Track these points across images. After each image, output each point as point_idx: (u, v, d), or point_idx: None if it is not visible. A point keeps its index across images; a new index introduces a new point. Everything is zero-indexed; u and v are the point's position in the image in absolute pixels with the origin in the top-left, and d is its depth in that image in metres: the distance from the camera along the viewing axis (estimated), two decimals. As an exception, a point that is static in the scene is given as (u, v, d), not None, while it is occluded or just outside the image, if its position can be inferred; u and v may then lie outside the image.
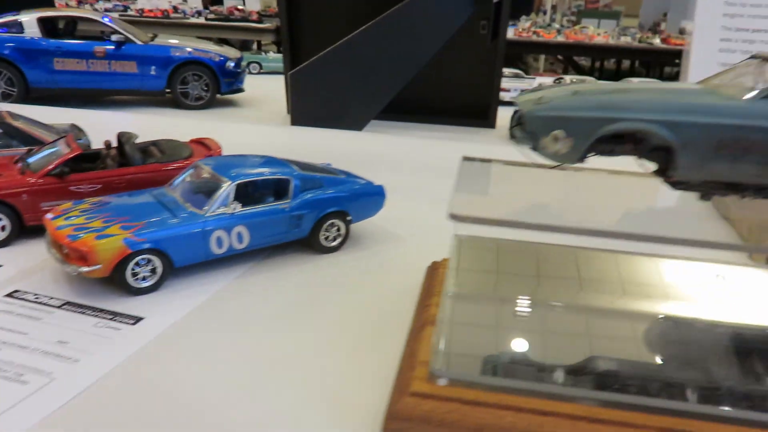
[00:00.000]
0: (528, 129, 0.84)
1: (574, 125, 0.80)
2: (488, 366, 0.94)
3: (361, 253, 1.39)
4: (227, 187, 1.22)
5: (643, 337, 1.13)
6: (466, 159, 1.14)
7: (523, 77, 3.78)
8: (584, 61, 9.47)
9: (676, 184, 0.86)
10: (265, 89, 2.97)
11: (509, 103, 3.46)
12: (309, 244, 1.35)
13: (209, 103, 3.05)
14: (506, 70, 3.98)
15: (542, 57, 9.67)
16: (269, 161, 1.36)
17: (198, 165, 1.32)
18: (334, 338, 1.06)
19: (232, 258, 1.28)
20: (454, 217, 0.81)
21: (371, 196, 1.42)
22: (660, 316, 1.17)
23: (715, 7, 2.28)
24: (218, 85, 3.01)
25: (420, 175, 1.98)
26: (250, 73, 4.58)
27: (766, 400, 0.94)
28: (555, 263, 1.23)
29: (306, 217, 1.31)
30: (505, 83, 3.66)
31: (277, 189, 1.30)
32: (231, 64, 3.05)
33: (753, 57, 0.87)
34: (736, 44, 2.25)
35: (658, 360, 1.09)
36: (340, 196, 1.36)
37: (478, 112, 2.91)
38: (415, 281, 1.21)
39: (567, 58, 9.36)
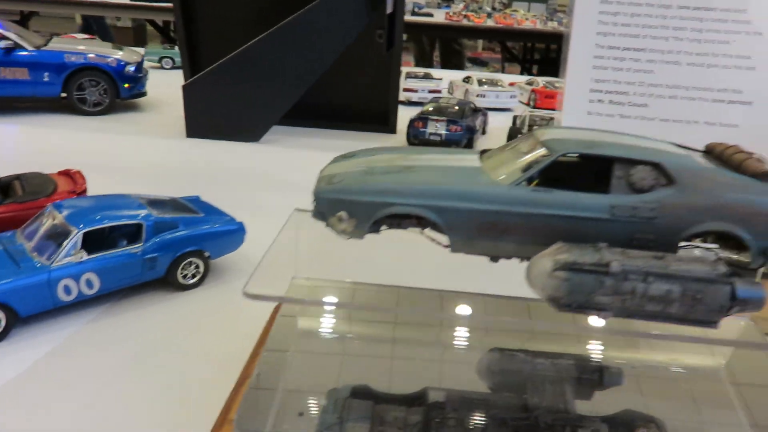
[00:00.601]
0: (318, 208, 0.91)
1: (355, 208, 0.87)
2: (301, 420, 1.01)
3: (222, 288, 1.44)
4: (74, 236, 1.25)
5: (474, 369, 1.23)
6: (298, 210, 1.20)
7: (431, 78, 3.84)
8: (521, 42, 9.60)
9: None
10: (174, 88, 2.94)
11: (417, 104, 3.53)
12: (167, 282, 1.39)
13: (108, 109, 2.99)
14: (416, 70, 4.02)
15: (480, 38, 9.76)
16: (124, 204, 1.38)
17: (50, 210, 1.33)
18: (169, 389, 1.11)
19: (87, 300, 1.31)
20: (249, 296, 0.87)
21: (230, 234, 1.46)
22: (488, 349, 1.26)
23: (589, 22, 2.39)
24: (117, 90, 2.96)
25: (306, 194, 2.03)
26: (163, 68, 4.49)
27: (566, 427, 1.05)
28: (392, 303, 1.31)
29: (160, 258, 1.35)
30: (412, 83, 3.73)
31: (130, 233, 1.33)
32: (131, 69, 3.00)
33: (529, 131, 0.96)
34: (608, 61, 2.37)
35: (483, 389, 1.19)
36: (197, 236, 1.40)
37: (379, 118, 2.96)
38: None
39: (499, 42, 9.48)
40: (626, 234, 0.84)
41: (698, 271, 0.78)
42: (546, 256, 0.81)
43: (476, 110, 2.96)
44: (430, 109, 2.76)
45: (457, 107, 2.79)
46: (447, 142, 2.63)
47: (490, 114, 3.25)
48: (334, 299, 1.25)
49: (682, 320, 0.80)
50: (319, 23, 2.63)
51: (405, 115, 3.03)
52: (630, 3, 2.36)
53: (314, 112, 2.95)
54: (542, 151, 0.88)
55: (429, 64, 7.10)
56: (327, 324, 1.25)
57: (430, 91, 3.68)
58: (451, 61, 7.36)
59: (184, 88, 2.60)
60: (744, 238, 0.84)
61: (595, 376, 1.22)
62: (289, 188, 2.09)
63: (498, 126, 3.17)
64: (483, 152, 1.00)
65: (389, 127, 2.93)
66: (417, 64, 7.00)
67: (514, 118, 3.04)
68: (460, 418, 1.06)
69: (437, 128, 2.62)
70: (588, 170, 0.89)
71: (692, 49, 2.32)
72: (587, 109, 2.39)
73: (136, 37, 8.53)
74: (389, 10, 2.70)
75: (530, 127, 2.80)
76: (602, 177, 0.86)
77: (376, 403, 1.10)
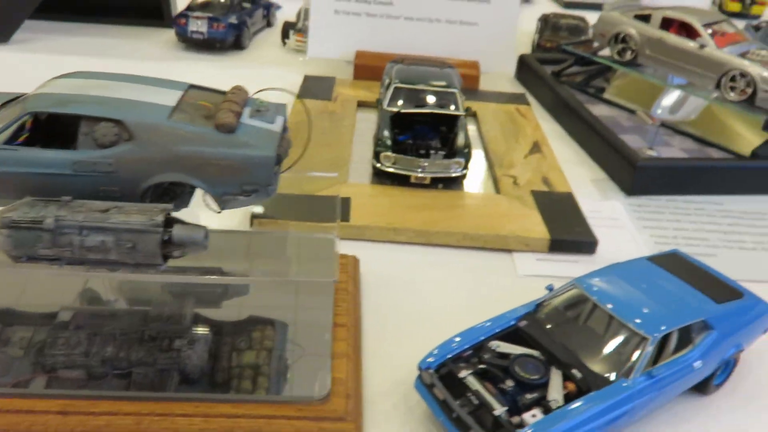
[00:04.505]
0: None
1: None
2: None
3: None
4: None
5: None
6: None
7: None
8: None
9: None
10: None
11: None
12: None
13: None
14: None
15: None
16: None
17: None
18: None
19: None
20: None
21: None
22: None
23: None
24: None
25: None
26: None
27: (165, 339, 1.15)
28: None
29: None
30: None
31: None
32: None
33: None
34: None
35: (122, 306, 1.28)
36: None
37: (151, 11, 2.84)
38: None
39: None
40: (92, 187, 0.91)
41: (133, 222, 0.87)
42: (-1, 213, 0.87)
43: (254, 1, 2.89)
44: (199, 3, 2.67)
45: (229, 0, 2.70)
46: (211, 41, 2.58)
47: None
48: None
49: (126, 265, 0.90)
50: None
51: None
52: None
53: (80, 6, 2.78)
54: (19, 108, 0.92)
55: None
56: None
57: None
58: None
59: None
60: (200, 186, 0.94)
61: (219, 289, 1.34)
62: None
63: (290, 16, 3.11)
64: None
65: (164, 21, 2.82)
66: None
67: (298, 12, 2.99)
68: (68, 337, 1.14)
69: (199, 26, 2.55)
70: (65, 126, 0.94)
71: (433, -55, 2.33)
72: (334, 8, 2.40)
73: None
74: None
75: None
76: (73, 133, 0.92)
77: (6, 325, 1.18)
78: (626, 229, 1.64)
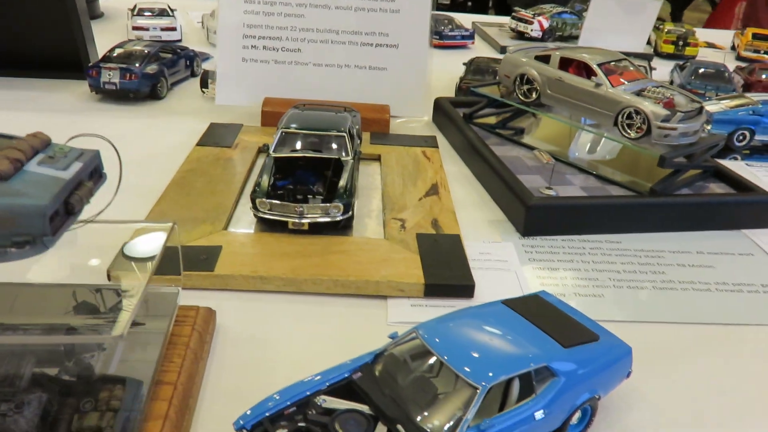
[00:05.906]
0: None
1: None
2: None
3: None
4: None
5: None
6: None
7: (166, 14, 3.66)
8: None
9: None
10: None
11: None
12: None
13: None
14: (149, 4, 3.72)
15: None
16: None
17: None
18: None
19: None
20: None
21: None
22: None
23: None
24: None
25: None
26: None
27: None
28: None
29: None
30: (142, 21, 3.56)
31: None
32: None
33: None
34: (259, 6, 2.34)
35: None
36: None
37: (70, 63, 2.81)
38: None
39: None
40: None
41: None
42: None
43: (176, 52, 2.88)
44: (115, 54, 2.65)
45: (146, 50, 2.69)
46: (124, 91, 2.54)
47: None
48: None
49: None
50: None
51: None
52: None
53: (-2, 59, 2.75)
54: None
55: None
56: None
57: (163, 29, 3.52)
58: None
59: None
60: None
61: (65, 346, 1.26)
62: None
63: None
64: None
65: (83, 72, 2.79)
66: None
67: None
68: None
69: (111, 77, 2.52)
70: None
71: (340, -8, 2.33)
72: (241, 55, 2.38)
73: None
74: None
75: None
76: None
77: None
78: (512, 271, 1.58)
